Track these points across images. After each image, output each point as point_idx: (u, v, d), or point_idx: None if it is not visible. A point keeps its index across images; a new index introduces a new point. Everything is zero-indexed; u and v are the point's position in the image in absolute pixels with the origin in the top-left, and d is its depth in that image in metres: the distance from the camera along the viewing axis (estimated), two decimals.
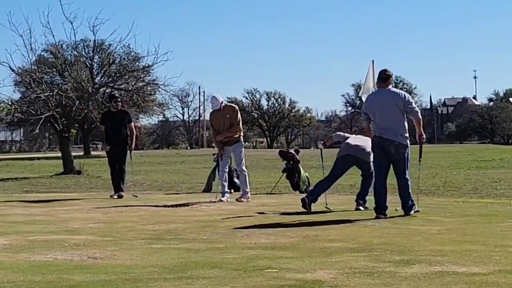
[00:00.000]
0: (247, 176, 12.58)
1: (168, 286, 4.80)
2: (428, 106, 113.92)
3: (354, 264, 5.56)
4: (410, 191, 9.33)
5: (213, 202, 12.02)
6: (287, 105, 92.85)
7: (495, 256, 5.91)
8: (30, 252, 6.32)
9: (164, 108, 56.90)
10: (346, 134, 11.16)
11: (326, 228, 8.09)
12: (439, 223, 8.50)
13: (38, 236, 7.50)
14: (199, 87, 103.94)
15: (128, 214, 10.10)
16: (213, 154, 16.21)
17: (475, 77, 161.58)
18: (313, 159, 20.09)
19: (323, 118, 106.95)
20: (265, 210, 10.44)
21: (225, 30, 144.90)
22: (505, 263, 5.56)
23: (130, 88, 26.91)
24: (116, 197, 13.39)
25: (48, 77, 36.30)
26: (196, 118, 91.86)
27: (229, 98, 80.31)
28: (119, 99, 14.29)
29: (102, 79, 30.61)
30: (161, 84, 26.03)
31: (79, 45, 34.69)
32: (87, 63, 32.56)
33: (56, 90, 23.21)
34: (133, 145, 13.85)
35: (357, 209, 10.27)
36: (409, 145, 9.28)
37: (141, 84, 28.13)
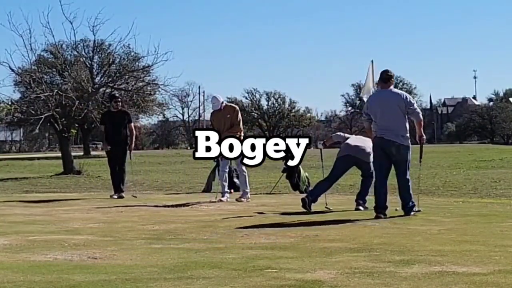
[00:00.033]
0: (247, 176, 12.57)
1: (168, 286, 4.80)
2: (428, 106, 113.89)
3: (354, 264, 5.56)
4: (411, 191, 9.33)
5: (213, 202, 12.01)
6: (287, 105, 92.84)
7: (495, 256, 5.91)
8: (30, 252, 6.32)
9: (164, 108, 57.06)
10: (346, 135, 11.15)
11: (326, 228, 8.09)
12: (439, 223, 8.50)
13: (38, 236, 7.50)
14: (199, 87, 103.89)
15: (128, 214, 10.09)
16: None
17: (475, 77, 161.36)
18: (313, 159, 20.06)
19: (323, 118, 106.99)
20: (265, 210, 10.44)
21: (225, 30, 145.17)
22: (505, 263, 5.56)
23: (130, 88, 26.92)
24: (116, 197, 13.40)
25: (48, 77, 36.33)
26: (196, 118, 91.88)
27: (229, 98, 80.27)
28: (119, 99, 14.29)
29: (102, 79, 30.61)
30: (161, 84, 26.10)
31: (79, 45, 34.71)
32: (87, 63, 32.52)
33: (56, 90, 23.22)
34: (133, 145, 13.84)
35: (357, 209, 10.27)
36: (410, 145, 9.29)
37: (141, 84, 28.14)
